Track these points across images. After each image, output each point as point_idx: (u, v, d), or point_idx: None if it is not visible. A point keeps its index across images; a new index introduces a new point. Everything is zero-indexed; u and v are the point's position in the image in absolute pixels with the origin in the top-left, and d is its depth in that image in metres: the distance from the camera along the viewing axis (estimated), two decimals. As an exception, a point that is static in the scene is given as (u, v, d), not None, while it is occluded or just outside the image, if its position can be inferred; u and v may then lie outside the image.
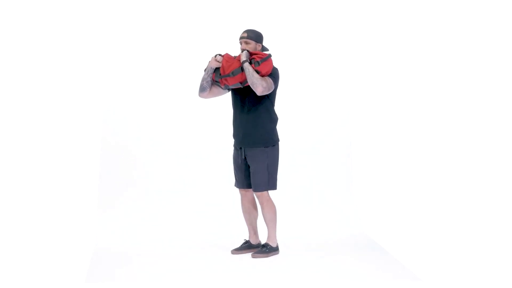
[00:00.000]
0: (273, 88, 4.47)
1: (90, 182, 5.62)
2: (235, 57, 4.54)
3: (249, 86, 4.44)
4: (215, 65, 4.53)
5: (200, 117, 5.88)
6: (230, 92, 4.67)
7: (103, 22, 5.78)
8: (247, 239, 4.84)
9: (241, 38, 4.58)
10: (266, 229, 4.73)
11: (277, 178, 4.64)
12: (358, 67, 6.07)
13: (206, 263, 4.41)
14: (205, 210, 5.66)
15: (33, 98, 5.17)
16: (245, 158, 4.60)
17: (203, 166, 5.85)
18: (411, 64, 5.67)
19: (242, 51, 4.51)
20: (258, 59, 4.42)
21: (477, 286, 3.83)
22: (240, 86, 4.50)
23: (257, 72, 4.40)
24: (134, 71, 5.86)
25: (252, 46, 4.55)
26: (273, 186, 4.62)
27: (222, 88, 4.59)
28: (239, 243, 4.86)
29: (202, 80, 4.58)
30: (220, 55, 4.56)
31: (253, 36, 4.56)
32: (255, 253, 4.63)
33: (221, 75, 4.50)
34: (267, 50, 4.64)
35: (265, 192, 4.59)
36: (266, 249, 4.63)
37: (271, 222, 4.66)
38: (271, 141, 4.57)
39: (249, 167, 4.62)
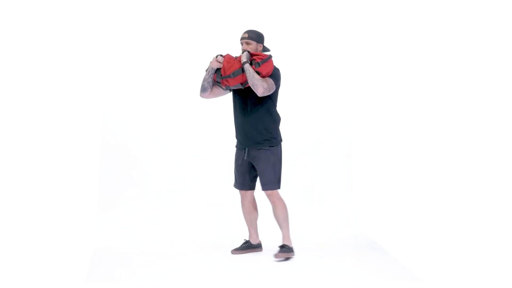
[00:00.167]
0: (274, 89, 4.47)
1: (90, 182, 5.62)
2: (236, 57, 4.53)
3: (250, 87, 4.45)
4: (216, 65, 4.52)
5: (200, 117, 5.88)
6: (231, 92, 4.67)
7: (103, 23, 5.79)
8: (247, 239, 4.84)
9: (242, 38, 4.58)
10: (279, 229, 4.63)
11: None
12: (358, 67, 6.07)
13: (206, 263, 4.41)
14: (205, 210, 5.66)
15: (33, 98, 5.16)
16: (247, 158, 4.59)
17: (203, 166, 5.85)
18: (411, 64, 5.66)
19: (243, 52, 4.51)
20: (259, 60, 4.41)
21: (477, 286, 3.83)
22: (241, 87, 4.49)
23: (258, 73, 4.39)
24: (134, 71, 5.87)
25: (253, 46, 4.55)
26: (279, 185, 4.61)
27: (223, 88, 4.58)
28: (239, 243, 4.86)
29: (203, 81, 4.58)
30: (221, 55, 4.55)
31: (254, 36, 4.55)
32: (277, 254, 4.51)
33: (222, 76, 4.50)
34: (268, 50, 4.64)
35: (275, 191, 4.57)
36: (285, 249, 4.54)
37: (285, 222, 4.60)
38: (275, 141, 4.57)
39: (249, 168, 4.63)
